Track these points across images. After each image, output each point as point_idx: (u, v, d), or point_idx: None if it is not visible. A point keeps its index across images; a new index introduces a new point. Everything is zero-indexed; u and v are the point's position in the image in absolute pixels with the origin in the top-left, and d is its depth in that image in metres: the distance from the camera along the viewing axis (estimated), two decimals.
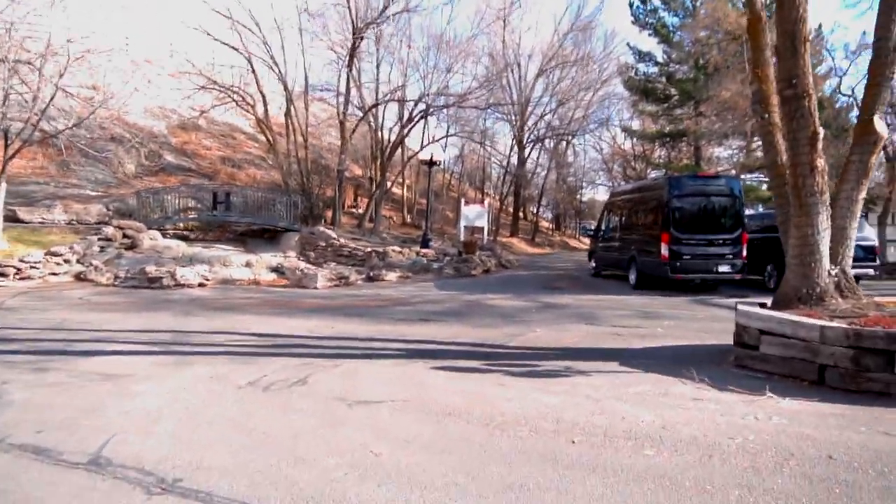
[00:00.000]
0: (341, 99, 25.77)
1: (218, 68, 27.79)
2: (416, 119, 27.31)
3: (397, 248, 20.77)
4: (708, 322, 10.02)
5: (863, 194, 6.91)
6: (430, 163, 22.63)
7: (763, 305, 7.18)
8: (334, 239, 21.14)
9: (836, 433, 4.36)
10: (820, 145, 6.51)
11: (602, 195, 57.32)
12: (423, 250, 21.09)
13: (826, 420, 4.68)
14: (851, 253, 6.98)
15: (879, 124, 6.67)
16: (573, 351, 7.47)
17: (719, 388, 5.60)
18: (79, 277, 15.16)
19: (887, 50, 6.84)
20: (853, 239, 7.00)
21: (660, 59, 33.71)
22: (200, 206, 23.05)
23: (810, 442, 4.18)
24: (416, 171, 34.03)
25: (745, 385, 5.66)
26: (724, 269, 14.01)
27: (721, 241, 14.03)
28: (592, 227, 20.51)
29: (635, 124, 40.45)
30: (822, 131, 6.54)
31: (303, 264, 19.51)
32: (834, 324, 5.72)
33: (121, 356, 6.90)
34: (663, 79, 33.41)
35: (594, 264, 19.13)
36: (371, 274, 16.96)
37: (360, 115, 26.49)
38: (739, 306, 6.69)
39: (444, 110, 28.62)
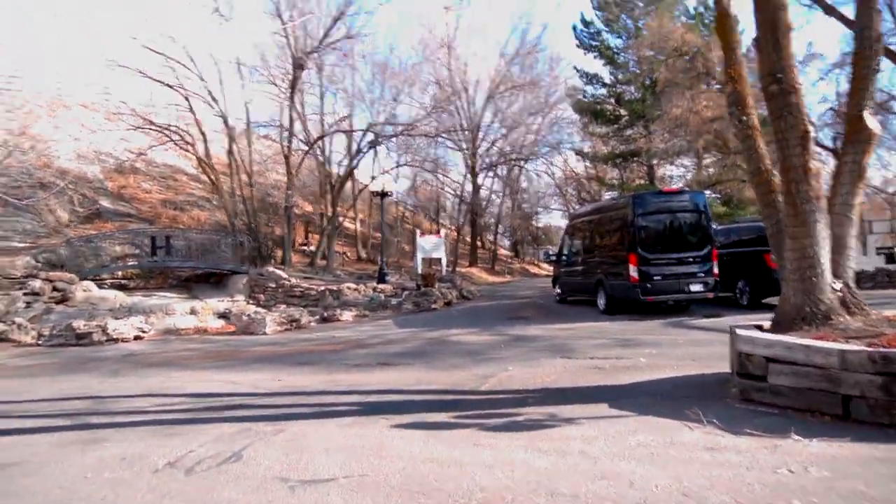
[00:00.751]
0: (285, 133, 24.75)
1: (156, 108, 26.59)
2: (364, 150, 26.51)
3: (352, 285, 19.71)
4: (691, 347, 9.25)
5: (859, 198, 6.29)
6: (382, 194, 21.73)
7: (760, 328, 6.44)
8: (285, 279, 19.96)
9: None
10: (812, 145, 5.85)
11: (557, 220, 57.35)
12: (380, 286, 20.08)
13: (874, 468, 3.87)
14: (853, 264, 6.31)
15: (871, 121, 6.07)
16: (554, 392, 6.58)
17: (733, 431, 4.76)
18: None
19: (870, 40, 6.28)
20: (853, 248, 6.34)
21: (607, 81, 33.79)
22: (139, 253, 21.66)
23: None
24: (368, 204, 33.05)
25: (761, 425, 4.84)
26: (696, 288, 13.38)
27: (691, 259, 13.42)
28: (554, 253, 19.83)
29: (586, 146, 40.44)
30: (812, 129, 5.89)
31: (252, 308, 18.30)
32: (854, 347, 4.97)
33: (15, 436, 5.70)
34: (612, 100, 33.44)
35: (559, 290, 18.40)
36: (325, 314, 15.85)
37: (306, 148, 25.47)
38: (739, 331, 5.91)
39: (393, 140, 27.91)
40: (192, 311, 17.99)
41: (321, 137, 25.44)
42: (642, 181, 33.86)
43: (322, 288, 19.34)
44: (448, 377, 7.77)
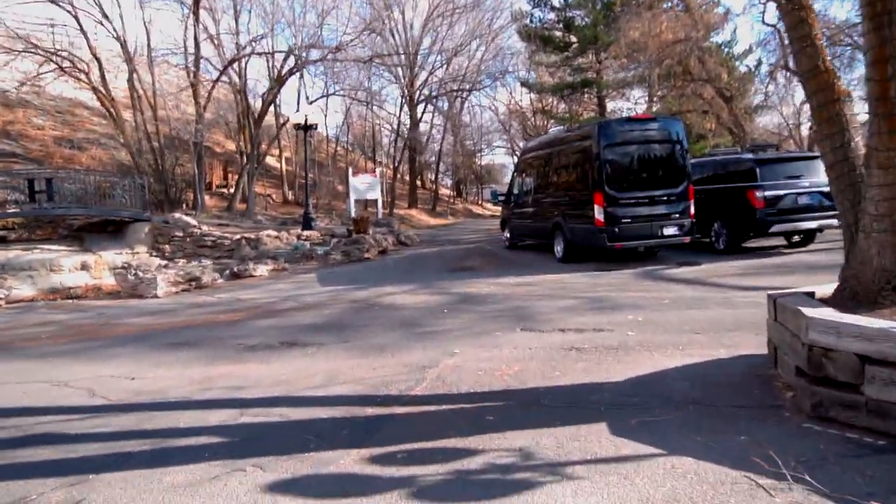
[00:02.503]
0: (191, 58, 21.42)
1: (47, 30, 22.80)
2: (286, 77, 23.33)
3: (273, 233, 17.17)
4: (683, 310, 7.33)
5: None
6: (306, 126, 18.95)
7: (811, 295, 4.46)
8: (194, 227, 17.22)
9: None
10: None
11: (501, 158, 55.28)
12: (306, 232, 17.61)
13: None
14: None
15: None
16: (521, 398, 4.48)
17: (844, 500, 2.74)
18: None
19: None
20: None
21: (556, 4, 31.03)
22: (22, 199, 18.42)
23: None
24: (295, 140, 29.90)
25: (881, 481, 2.85)
26: (670, 231, 11.49)
27: (665, 199, 11.47)
28: (502, 192, 17.73)
29: (532, 78, 37.88)
30: None
31: (155, 261, 15.73)
32: None
33: None
34: (561, 25, 30.82)
35: (508, 235, 16.36)
36: (236, 269, 13.39)
37: (217, 74, 22.23)
38: (806, 311, 3.86)
39: (320, 64, 24.78)
40: (84, 267, 15.41)
41: (234, 61, 22.01)
42: (592, 114, 31.80)
43: (238, 236, 16.75)
44: (370, 368, 5.60)
